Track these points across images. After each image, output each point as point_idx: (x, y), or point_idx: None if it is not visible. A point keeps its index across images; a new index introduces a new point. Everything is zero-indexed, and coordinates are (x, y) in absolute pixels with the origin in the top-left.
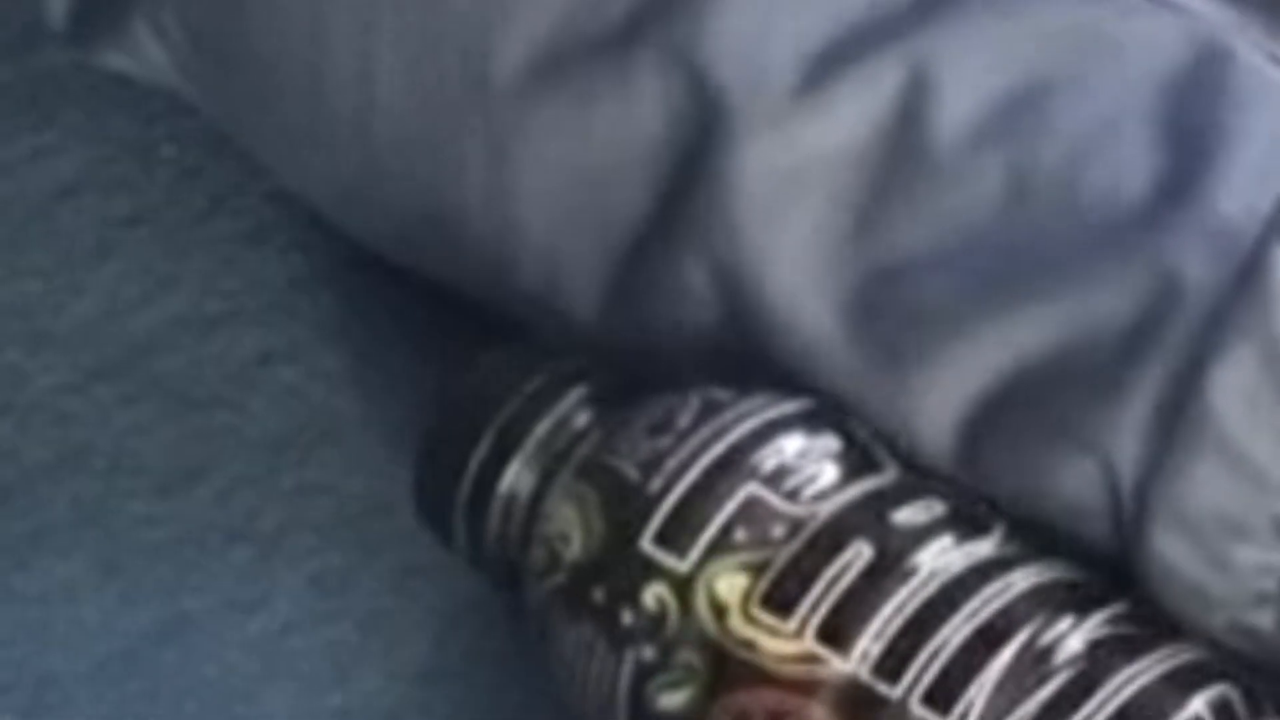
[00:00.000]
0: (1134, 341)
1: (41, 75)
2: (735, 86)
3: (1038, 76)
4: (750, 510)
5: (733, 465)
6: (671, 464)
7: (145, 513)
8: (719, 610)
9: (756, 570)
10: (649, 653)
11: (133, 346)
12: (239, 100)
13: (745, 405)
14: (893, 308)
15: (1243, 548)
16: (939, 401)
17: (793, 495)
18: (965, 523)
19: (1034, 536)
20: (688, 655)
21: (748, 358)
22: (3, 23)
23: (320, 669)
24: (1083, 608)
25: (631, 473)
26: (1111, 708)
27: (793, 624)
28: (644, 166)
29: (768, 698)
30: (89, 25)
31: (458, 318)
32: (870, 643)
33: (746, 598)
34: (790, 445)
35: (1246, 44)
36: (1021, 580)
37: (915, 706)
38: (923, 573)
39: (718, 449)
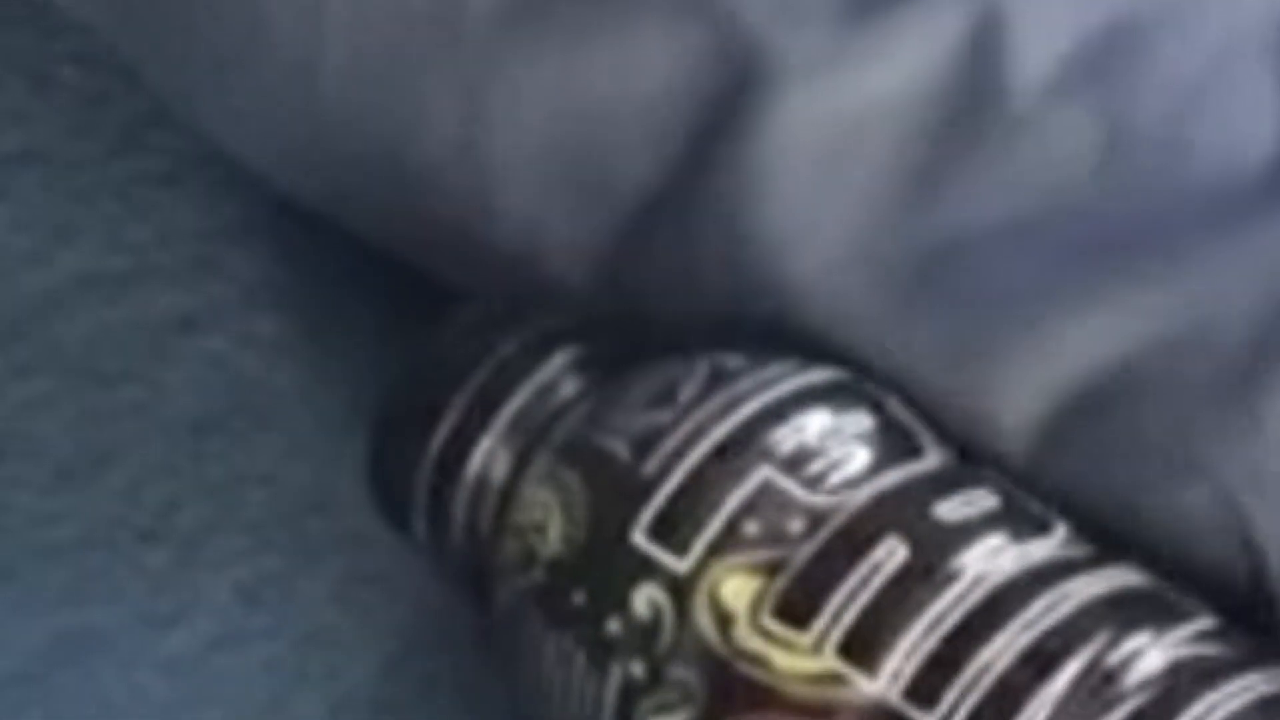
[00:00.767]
0: (1262, 336)
1: None
2: (770, 27)
3: (1129, 13)
4: (763, 500)
5: (744, 446)
6: (671, 443)
7: (41, 507)
8: (723, 619)
9: (769, 572)
10: (638, 668)
11: (26, 309)
12: (150, 23)
13: (761, 375)
14: (959, 289)
15: None
16: (1014, 401)
17: (814, 483)
18: (1021, 518)
19: (1105, 536)
20: (683, 672)
21: (768, 326)
22: None
23: (250, 695)
24: (1161, 622)
25: (623, 452)
26: None
27: (810, 637)
28: (649, 122)
29: None
30: None
31: (415, 274)
32: (902, 661)
33: (756, 605)
34: (813, 423)
35: None
36: (1085, 588)
37: None
38: (967, 577)
39: (726, 426)
